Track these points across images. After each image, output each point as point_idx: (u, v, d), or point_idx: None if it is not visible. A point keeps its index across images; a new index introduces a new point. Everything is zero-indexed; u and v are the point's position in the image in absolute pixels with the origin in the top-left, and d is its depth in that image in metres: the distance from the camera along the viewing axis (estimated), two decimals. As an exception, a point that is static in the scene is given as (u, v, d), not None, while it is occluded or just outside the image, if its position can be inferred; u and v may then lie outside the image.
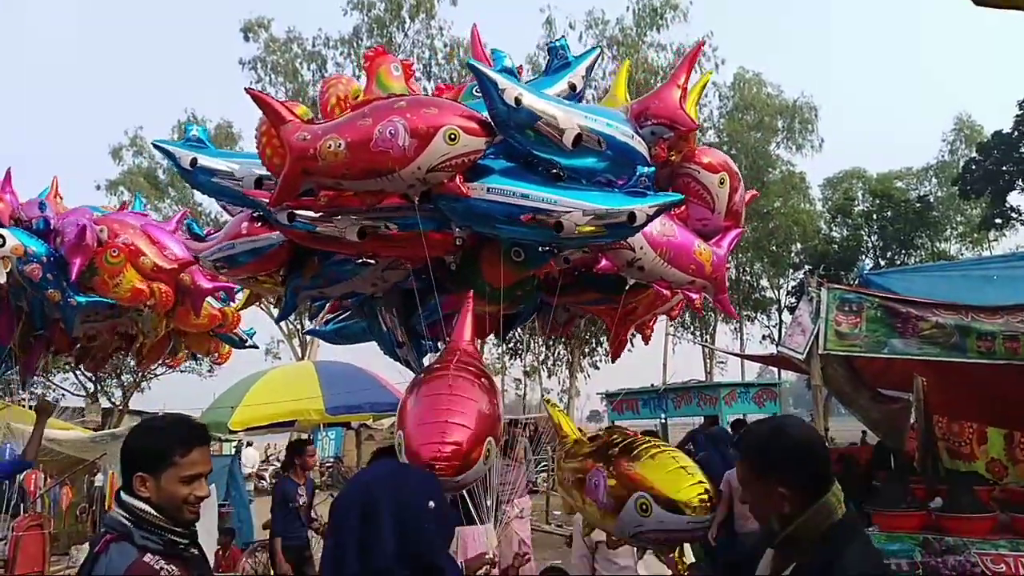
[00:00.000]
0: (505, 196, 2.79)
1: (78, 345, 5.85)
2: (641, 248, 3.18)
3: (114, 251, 4.85)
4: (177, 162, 3.35)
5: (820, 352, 5.66)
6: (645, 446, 2.93)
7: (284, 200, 2.87)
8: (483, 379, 2.83)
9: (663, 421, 10.80)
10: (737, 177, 3.59)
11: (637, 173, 2.82)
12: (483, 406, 2.69)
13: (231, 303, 6.09)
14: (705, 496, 2.71)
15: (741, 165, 30.69)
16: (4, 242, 4.50)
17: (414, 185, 2.76)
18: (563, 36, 3.44)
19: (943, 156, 37.97)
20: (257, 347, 7.36)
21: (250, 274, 3.78)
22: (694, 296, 4.11)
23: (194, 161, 3.31)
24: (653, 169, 2.94)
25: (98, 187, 30.11)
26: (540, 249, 3.25)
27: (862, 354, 5.66)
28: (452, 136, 2.65)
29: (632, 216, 2.74)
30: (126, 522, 2.13)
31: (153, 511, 2.13)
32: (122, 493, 2.19)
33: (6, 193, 4.93)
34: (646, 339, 4.65)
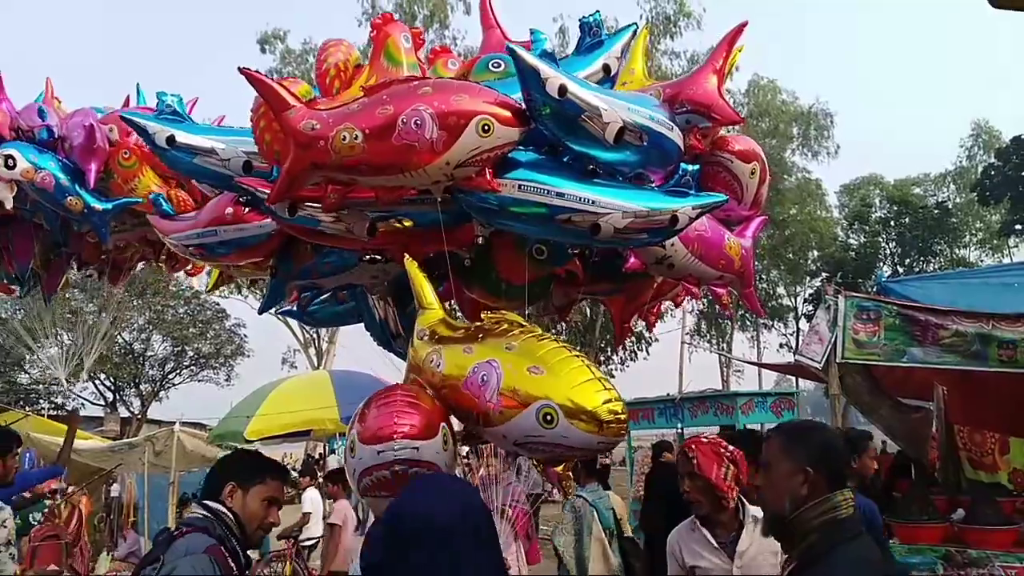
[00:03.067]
0: (539, 194, 2.52)
1: (104, 257, 5.35)
2: (672, 245, 2.95)
3: (126, 152, 4.37)
4: (151, 139, 2.94)
5: (838, 361, 5.61)
6: (554, 347, 2.54)
7: (286, 196, 2.59)
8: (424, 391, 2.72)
9: (679, 431, 10.71)
10: (766, 166, 3.34)
11: (680, 171, 2.64)
12: (428, 403, 2.63)
13: None
14: (623, 416, 2.41)
15: (756, 172, 30.77)
16: (15, 163, 4.04)
17: (439, 181, 2.49)
18: (597, 11, 3.11)
19: (961, 162, 37.63)
20: None
21: (234, 263, 3.48)
22: (721, 292, 3.89)
23: (171, 138, 2.90)
24: (697, 168, 2.77)
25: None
26: (567, 248, 3.04)
27: (881, 363, 5.61)
28: (486, 127, 2.37)
29: (675, 218, 2.55)
30: (204, 518, 2.40)
31: (233, 518, 2.42)
32: (205, 501, 2.47)
33: (1, 101, 4.47)
34: (650, 326, 4.40)
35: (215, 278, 4.44)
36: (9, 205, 4.13)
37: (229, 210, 3.15)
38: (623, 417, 2.40)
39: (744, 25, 3.05)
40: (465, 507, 1.94)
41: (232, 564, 2.33)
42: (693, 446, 3.08)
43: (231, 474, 2.50)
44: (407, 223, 2.87)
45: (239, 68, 2.52)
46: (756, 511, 3.00)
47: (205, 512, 2.41)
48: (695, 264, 3.09)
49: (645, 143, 2.54)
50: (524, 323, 2.69)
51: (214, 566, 2.23)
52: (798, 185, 32.76)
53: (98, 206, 4.24)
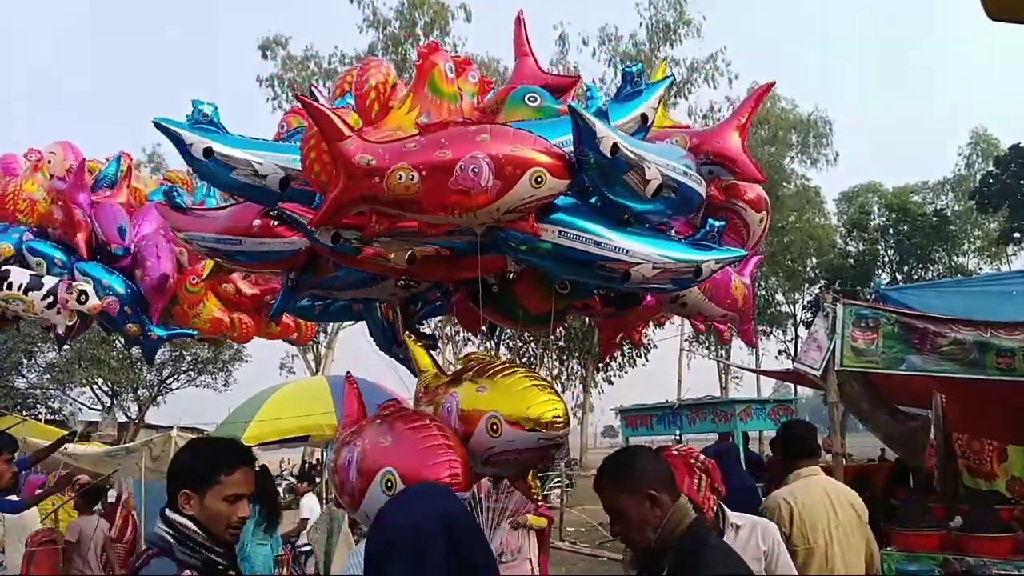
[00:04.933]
0: (578, 241, 2.61)
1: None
2: None
3: (194, 279, 4.52)
4: (187, 149, 2.79)
5: (836, 368, 5.61)
6: (500, 367, 2.82)
7: (329, 223, 2.60)
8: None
9: (678, 437, 10.70)
10: (770, 211, 3.50)
11: (708, 226, 2.78)
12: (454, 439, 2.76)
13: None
14: (559, 413, 2.63)
15: (755, 179, 30.72)
16: (87, 299, 4.26)
17: (485, 223, 2.58)
18: (640, 63, 3.16)
19: (959, 170, 37.72)
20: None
21: (252, 272, 3.46)
22: (723, 328, 4.02)
23: (208, 150, 2.78)
24: (724, 224, 2.88)
25: (117, 203, 30.49)
26: (591, 285, 3.14)
27: (879, 370, 5.61)
28: (539, 179, 2.46)
29: (699, 270, 2.71)
30: (168, 538, 2.19)
31: (196, 528, 2.20)
32: (167, 510, 2.25)
33: (79, 191, 4.50)
34: (636, 344, 4.58)
35: (209, 269, 4.33)
36: (62, 330, 4.31)
37: (257, 222, 3.05)
38: (560, 414, 2.62)
39: (771, 85, 3.26)
40: (443, 517, 1.94)
41: None
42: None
43: (182, 480, 2.26)
44: (443, 252, 2.93)
45: (297, 95, 2.56)
46: (736, 518, 3.04)
47: (166, 529, 2.21)
48: (705, 303, 3.29)
49: (675, 196, 2.65)
50: (485, 356, 2.95)
51: None
52: (797, 192, 32.83)
53: (154, 333, 4.41)
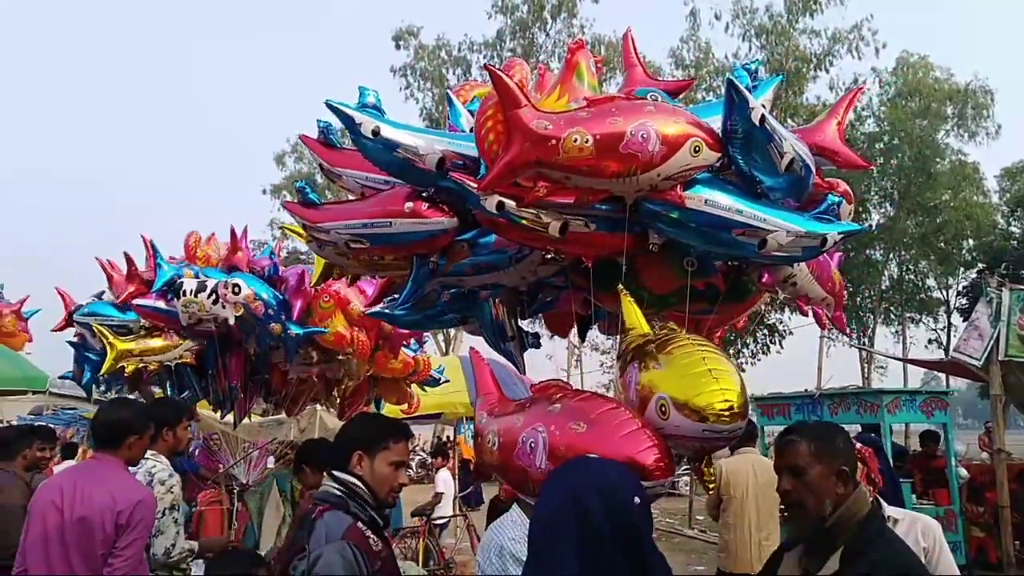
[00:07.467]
0: (722, 209, 2.79)
1: (287, 391, 6.81)
2: (798, 267, 3.33)
3: (326, 297, 5.72)
4: (357, 128, 3.04)
5: (1000, 359, 5.28)
6: (681, 343, 2.74)
7: (497, 185, 2.78)
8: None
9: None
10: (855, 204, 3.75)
11: (828, 201, 3.00)
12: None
13: (421, 351, 7.14)
14: (730, 404, 2.47)
15: (904, 155, 28.52)
16: (240, 290, 5.40)
17: (642, 190, 2.76)
18: (757, 60, 3.41)
19: None
20: (448, 381, 8.28)
21: (392, 255, 3.54)
22: (820, 312, 4.26)
23: (376, 130, 3.03)
24: (842, 200, 3.07)
25: (264, 191, 32.63)
26: (715, 261, 3.28)
27: (1051, 362, 5.19)
28: (697, 148, 2.68)
29: (824, 241, 2.86)
30: (340, 494, 2.54)
31: (363, 487, 2.56)
32: (335, 471, 2.63)
33: (241, 244, 6.02)
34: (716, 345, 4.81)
35: (319, 271, 4.57)
36: (232, 321, 5.42)
37: (409, 204, 3.22)
38: (729, 406, 2.53)
39: (861, 90, 3.64)
40: (568, 502, 1.83)
41: (371, 535, 2.47)
42: None
43: (356, 442, 2.65)
44: (590, 225, 3.07)
45: (485, 65, 2.80)
46: (893, 511, 3.07)
47: (337, 486, 2.56)
48: (812, 284, 3.53)
49: (799, 176, 2.83)
50: (675, 327, 2.95)
51: (353, 552, 2.34)
52: (952, 169, 30.39)
53: (293, 331, 5.55)
